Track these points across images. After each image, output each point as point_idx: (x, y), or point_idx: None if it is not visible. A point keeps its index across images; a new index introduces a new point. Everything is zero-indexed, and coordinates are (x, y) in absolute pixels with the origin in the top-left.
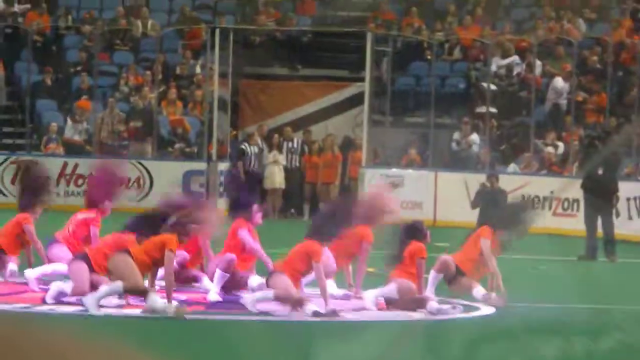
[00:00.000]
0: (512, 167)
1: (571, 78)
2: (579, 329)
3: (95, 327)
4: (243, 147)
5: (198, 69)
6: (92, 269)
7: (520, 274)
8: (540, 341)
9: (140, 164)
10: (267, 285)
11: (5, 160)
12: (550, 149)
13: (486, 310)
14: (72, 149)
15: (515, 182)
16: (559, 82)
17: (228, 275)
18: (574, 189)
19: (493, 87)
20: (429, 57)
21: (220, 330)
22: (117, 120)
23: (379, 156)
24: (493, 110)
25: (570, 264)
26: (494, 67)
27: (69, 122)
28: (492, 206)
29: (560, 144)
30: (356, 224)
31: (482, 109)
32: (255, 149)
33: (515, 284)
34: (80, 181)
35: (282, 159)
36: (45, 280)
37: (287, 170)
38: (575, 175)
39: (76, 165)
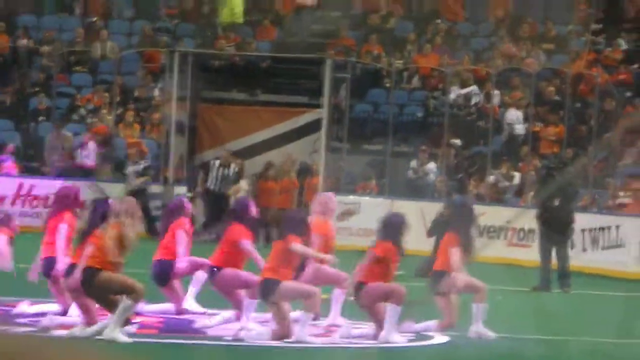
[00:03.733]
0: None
1: (527, 108)
2: None
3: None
4: (211, 162)
5: (156, 92)
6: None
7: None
8: None
9: (96, 185)
10: (275, 299)
11: None
12: (503, 180)
13: (440, 339)
14: (28, 170)
15: None
16: (513, 112)
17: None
18: (529, 219)
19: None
20: (387, 84)
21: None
22: (66, 141)
23: (336, 183)
24: (456, 141)
25: (524, 295)
26: (452, 96)
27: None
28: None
29: (516, 174)
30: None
31: (440, 138)
32: (223, 170)
33: (470, 314)
34: (35, 202)
35: (244, 184)
36: None
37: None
38: (531, 206)
39: (32, 187)
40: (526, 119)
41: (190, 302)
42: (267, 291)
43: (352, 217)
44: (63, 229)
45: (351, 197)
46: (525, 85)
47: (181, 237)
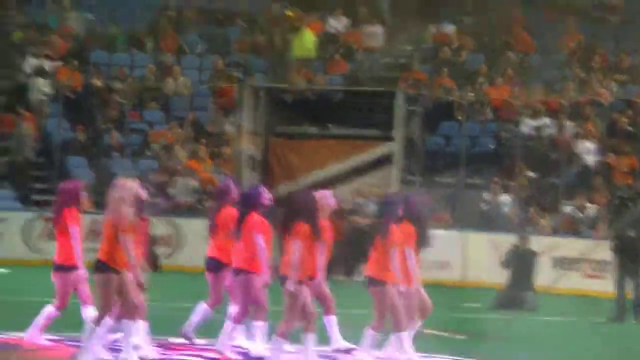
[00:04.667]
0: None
1: (600, 139)
2: None
3: None
4: None
5: (228, 127)
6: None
7: (549, 335)
8: None
9: (169, 220)
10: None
11: (36, 217)
12: (577, 212)
13: None
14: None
15: (545, 243)
16: (586, 143)
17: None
18: (604, 251)
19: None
20: (459, 117)
21: None
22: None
23: None
24: (528, 172)
25: (599, 326)
26: (524, 128)
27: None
28: (522, 267)
29: (590, 206)
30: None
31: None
32: None
33: (545, 345)
34: None
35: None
36: None
37: None
38: (605, 237)
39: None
40: (599, 150)
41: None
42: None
43: (425, 250)
44: (76, 232)
45: None
46: (598, 116)
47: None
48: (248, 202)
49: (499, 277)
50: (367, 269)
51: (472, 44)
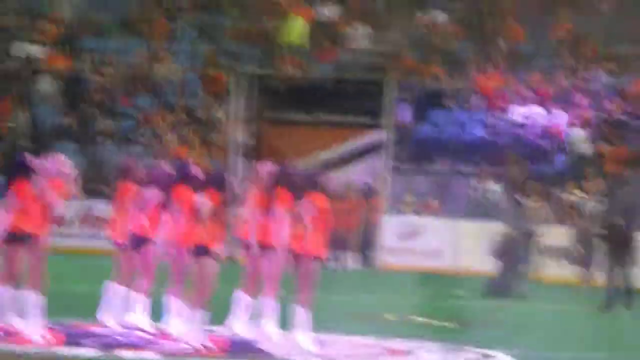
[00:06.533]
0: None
1: (591, 128)
2: None
3: None
4: None
5: (220, 114)
6: None
7: (539, 323)
8: None
9: None
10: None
11: None
12: (571, 197)
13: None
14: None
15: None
16: (578, 131)
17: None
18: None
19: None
20: (449, 105)
21: None
22: None
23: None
24: (518, 161)
25: (590, 315)
26: (514, 116)
27: None
28: (513, 255)
29: (581, 194)
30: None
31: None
32: None
33: (535, 333)
34: (98, 224)
35: None
36: None
37: None
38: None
39: (94, 209)
40: (590, 139)
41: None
42: None
43: (415, 238)
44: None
45: (414, 218)
46: (589, 105)
47: None
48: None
49: (489, 265)
50: None
51: (463, 31)
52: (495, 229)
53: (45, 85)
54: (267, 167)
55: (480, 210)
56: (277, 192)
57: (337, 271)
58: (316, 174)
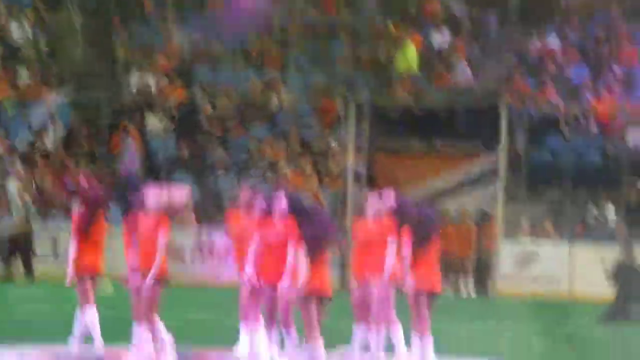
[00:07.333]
0: None
1: None
2: None
3: None
4: None
5: (333, 143)
6: None
7: None
8: None
9: None
10: None
11: None
12: None
13: None
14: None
15: None
16: None
17: None
18: None
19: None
20: (564, 130)
21: None
22: None
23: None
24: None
25: None
26: (631, 140)
27: None
28: (631, 280)
29: None
30: None
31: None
32: None
33: None
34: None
35: None
36: None
37: None
38: None
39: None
40: None
41: None
42: None
43: (531, 264)
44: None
45: (530, 244)
46: None
47: None
48: None
49: (607, 289)
50: None
51: (577, 56)
52: (612, 254)
53: (157, 118)
54: (384, 200)
55: (598, 235)
56: (401, 229)
57: (455, 299)
58: (432, 213)
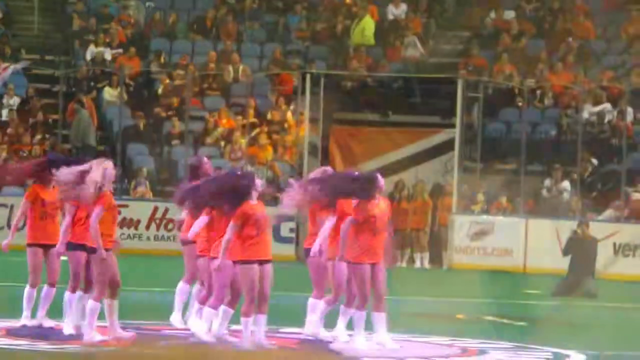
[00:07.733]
0: (609, 213)
1: None
2: None
3: None
4: None
5: (289, 115)
6: None
7: (610, 322)
8: None
9: None
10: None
11: None
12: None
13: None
14: (162, 193)
15: (606, 230)
16: None
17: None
18: None
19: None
20: (519, 103)
21: None
22: None
23: (470, 202)
24: (590, 159)
25: None
26: (585, 114)
27: None
28: (583, 254)
29: None
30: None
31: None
32: None
33: (606, 332)
34: (170, 225)
35: None
36: None
37: None
38: None
39: (166, 210)
40: None
41: None
42: None
43: (486, 237)
44: None
45: (485, 217)
46: None
47: None
48: None
49: (561, 263)
50: None
51: (533, 29)
52: (566, 228)
53: (113, 87)
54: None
55: (552, 209)
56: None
57: (409, 271)
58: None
